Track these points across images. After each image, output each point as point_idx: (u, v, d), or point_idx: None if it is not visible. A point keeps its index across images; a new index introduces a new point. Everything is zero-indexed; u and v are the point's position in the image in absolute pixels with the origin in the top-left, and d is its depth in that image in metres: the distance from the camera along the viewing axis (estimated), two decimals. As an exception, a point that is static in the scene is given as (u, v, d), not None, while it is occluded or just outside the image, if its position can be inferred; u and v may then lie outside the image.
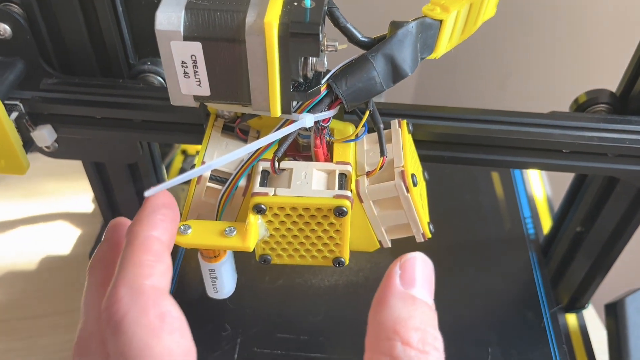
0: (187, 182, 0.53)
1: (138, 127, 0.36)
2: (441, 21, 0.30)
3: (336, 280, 0.44)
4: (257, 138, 0.33)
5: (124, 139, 0.37)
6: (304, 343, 0.40)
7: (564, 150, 0.34)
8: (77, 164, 0.43)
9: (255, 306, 0.42)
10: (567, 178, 0.48)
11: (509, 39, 0.78)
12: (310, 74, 0.27)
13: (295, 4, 0.26)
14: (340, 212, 0.28)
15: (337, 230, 0.29)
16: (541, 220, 0.53)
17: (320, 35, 0.25)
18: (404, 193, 0.29)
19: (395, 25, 0.29)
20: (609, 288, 0.52)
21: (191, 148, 0.64)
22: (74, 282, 0.59)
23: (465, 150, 0.34)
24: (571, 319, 0.51)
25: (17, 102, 0.34)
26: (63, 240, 0.63)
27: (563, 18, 0.74)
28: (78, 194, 0.68)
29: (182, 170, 0.60)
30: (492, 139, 0.34)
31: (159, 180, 0.46)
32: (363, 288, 0.44)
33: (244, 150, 0.26)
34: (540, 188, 0.58)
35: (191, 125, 0.35)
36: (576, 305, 0.51)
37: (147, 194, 0.24)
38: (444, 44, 0.32)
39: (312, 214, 0.28)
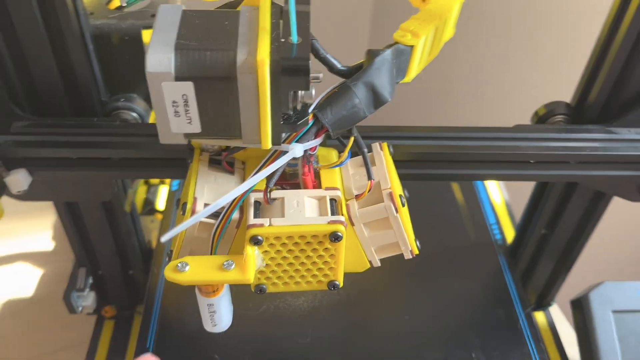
0: (149, 213, 0.53)
1: (117, 165, 0.35)
2: (412, 47, 0.32)
3: (319, 301, 0.45)
4: (243, 169, 0.33)
5: (102, 178, 0.36)
6: (295, 366, 0.41)
7: (530, 161, 0.37)
8: (31, 202, 0.41)
9: (242, 334, 0.42)
10: (524, 184, 0.51)
11: (467, 58, 0.82)
12: (299, 106, 0.28)
13: (283, 40, 0.26)
14: (335, 237, 0.29)
15: (332, 254, 0.30)
16: (502, 225, 0.55)
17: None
18: (393, 214, 0.30)
19: (372, 54, 0.31)
20: (568, 287, 0.55)
21: (155, 179, 0.63)
22: (40, 326, 0.57)
23: (442, 167, 0.36)
24: (540, 316, 0.53)
25: (-11, 148, 0.33)
26: (24, 282, 0.61)
27: (518, 36, 0.78)
28: (35, 233, 0.66)
29: (148, 201, 0.59)
30: (467, 155, 0.35)
31: (133, 217, 0.45)
32: (346, 305, 0.45)
33: (246, 185, 0.27)
34: (499, 195, 0.61)
35: (172, 160, 0.35)
36: (543, 303, 0.53)
37: (163, 239, 0.25)
38: (415, 68, 0.33)
39: (307, 241, 0.29)
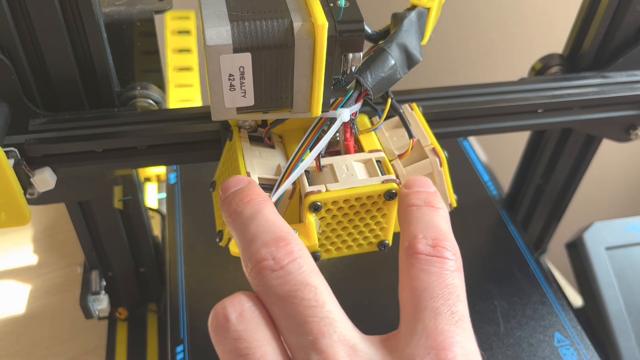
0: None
1: (144, 154, 0.34)
2: (429, 8, 0.33)
3: (339, 263, 0.46)
4: (281, 142, 0.33)
5: (129, 168, 0.36)
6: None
7: (539, 110, 0.39)
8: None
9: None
10: (497, 144, 0.53)
11: (457, 19, 0.84)
12: (349, 70, 0.28)
13: (331, 5, 0.27)
14: (390, 196, 0.29)
15: (385, 213, 0.31)
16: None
17: (363, 31, 0.26)
18: (438, 168, 0.31)
19: (399, 17, 0.32)
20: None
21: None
22: (41, 340, 0.54)
23: (461, 123, 0.38)
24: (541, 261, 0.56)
25: (12, 149, 0.32)
26: (14, 299, 0.58)
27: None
28: (15, 248, 0.63)
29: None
30: (483, 110, 0.37)
31: (145, 213, 0.44)
32: (366, 266, 0.46)
33: (313, 154, 0.27)
34: (481, 154, 0.63)
35: (201, 142, 0.35)
36: (539, 250, 0.56)
37: (273, 198, 0.26)
38: (430, 30, 0.35)
39: (363, 203, 0.30)
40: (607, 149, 0.53)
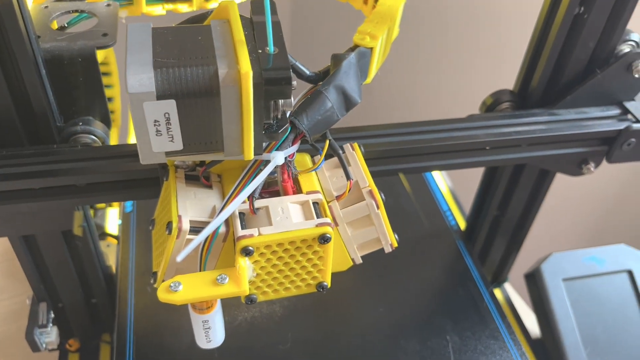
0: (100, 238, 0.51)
1: (83, 192, 0.34)
2: (372, 48, 0.33)
3: (294, 305, 0.45)
4: (220, 182, 0.33)
5: (67, 206, 0.35)
6: (281, 372, 0.41)
7: (487, 148, 0.39)
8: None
9: (222, 348, 0.42)
10: (467, 173, 0.53)
11: (412, 56, 0.85)
12: (280, 115, 0.28)
13: (260, 51, 0.27)
14: (324, 239, 0.29)
15: (321, 256, 0.30)
16: (453, 212, 0.58)
17: (290, 78, 0.26)
18: (375, 210, 0.31)
19: (338, 58, 0.32)
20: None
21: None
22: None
23: (406, 161, 0.37)
24: (497, 293, 0.56)
25: (-56, 187, 0.31)
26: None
27: (459, 33, 0.81)
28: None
29: (97, 226, 0.57)
30: (430, 147, 0.37)
31: (94, 243, 0.44)
32: (320, 306, 0.45)
33: (241, 198, 0.27)
34: (443, 183, 0.63)
35: (141, 180, 0.34)
36: (499, 280, 0.56)
37: (179, 258, 0.25)
38: (374, 69, 0.35)
39: (297, 246, 0.29)
40: (565, 180, 0.53)
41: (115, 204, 0.62)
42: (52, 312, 0.45)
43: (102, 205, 0.61)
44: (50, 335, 0.45)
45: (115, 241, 0.58)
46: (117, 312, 0.44)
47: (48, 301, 0.45)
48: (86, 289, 0.45)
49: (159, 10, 0.42)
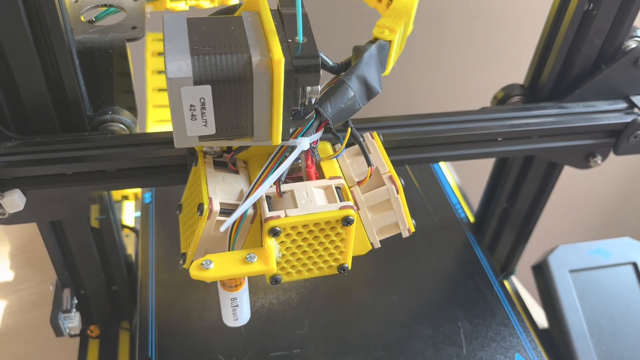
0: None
1: (113, 177, 0.36)
2: (390, 41, 0.34)
3: (310, 292, 0.47)
4: (246, 168, 0.34)
5: (98, 190, 0.37)
6: (298, 356, 0.42)
7: (499, 139, 0.40)
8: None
9: (241, 333, 0.43)
10: (474, 168, 0.55)
11: (426, 51, 0.87)
12: (307, 102, 0.30)
13: (290, 40, 0.28)
14: (347, 221, 0.31)
15: (343, 238, 0.32)
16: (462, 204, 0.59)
17: (319, 66, 0.28)
18: (394, 195, 0.33)
19: (359, 50, 0.33)
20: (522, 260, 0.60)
21: (116, 194, 0.63)
22: (18, 356, 0.55)
23: (423, 151, 0.39)
24: (505, 284, 0.58)
25: (-18, 171, 0.33)
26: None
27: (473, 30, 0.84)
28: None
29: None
30: (446, 138, 0.38)
31: (118, 231, 0.45)
32: (337, 288, 0.47)
33: (270, 181, 0.28)
34: (451, 178, 0.65)
35: (169, 167, 0.36)
36: (507, 271, 0.58)
37: (222, 228, 0.26)
38: (392, 61, 0.36)
39: (321, 228, 0.31)
40: (572, 173, 0.55)
41: (132, 197, 0.63)
42: (75, 298, 0.47)
43: (119, 198, 0.63)
44: (73, 321, 0.46)
45: (132, 232, 0.59)
46: (138, 299, 0.45)
47: (71, 287, 0.46)
48: (108, 276, 0.47)
49: (182, 5, 0.44)
